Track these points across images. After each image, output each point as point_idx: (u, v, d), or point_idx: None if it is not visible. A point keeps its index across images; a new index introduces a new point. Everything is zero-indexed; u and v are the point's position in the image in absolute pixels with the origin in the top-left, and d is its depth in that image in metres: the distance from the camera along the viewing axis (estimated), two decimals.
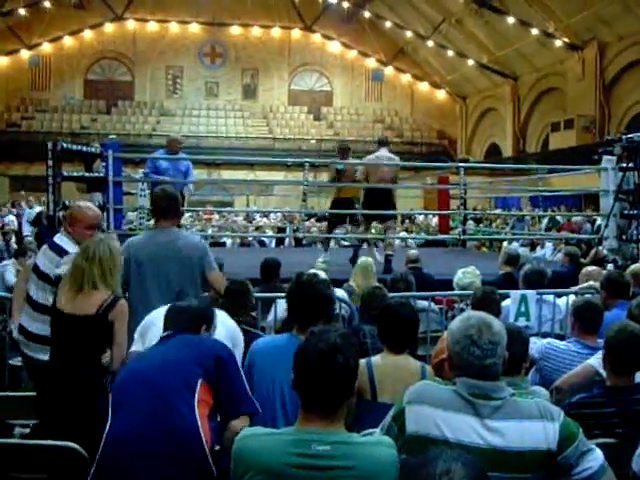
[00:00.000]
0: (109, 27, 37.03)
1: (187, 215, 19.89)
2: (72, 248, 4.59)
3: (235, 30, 38.14)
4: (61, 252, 4.65)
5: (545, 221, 18.65)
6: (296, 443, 2.34)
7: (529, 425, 2.50)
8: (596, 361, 3.72)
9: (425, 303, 6.02)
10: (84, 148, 9.84)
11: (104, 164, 9.34)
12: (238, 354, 3.66)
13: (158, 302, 4.46)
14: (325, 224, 12.07)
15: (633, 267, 6.80)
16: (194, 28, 37.83)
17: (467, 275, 6.74)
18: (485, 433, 2.46)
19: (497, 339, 2.58)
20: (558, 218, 18.76)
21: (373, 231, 11.54)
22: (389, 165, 9.81)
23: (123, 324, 4.00)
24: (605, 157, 10.05)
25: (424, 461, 1.64)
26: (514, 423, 2.49)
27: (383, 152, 9.95)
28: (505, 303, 5.69)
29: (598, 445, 3.24)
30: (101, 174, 9.33)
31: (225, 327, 3.88)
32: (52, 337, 4.10)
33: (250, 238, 17.02)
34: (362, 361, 3.52)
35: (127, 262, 4.68)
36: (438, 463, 1.60)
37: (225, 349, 3.24)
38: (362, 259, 7.45)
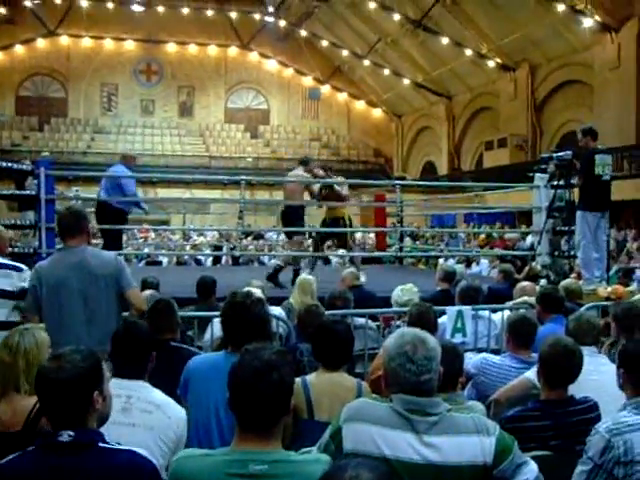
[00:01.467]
0: (41, 42, 36.41)
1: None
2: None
3: (171, 47, 37.96)
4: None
5: (481, 237, 18.96)
6: (233, 463, 2.30)
7: (465, 440, 2.51)
8: (533, 374, 3.76)
9: (362, 320, 6.01)
10: (15, 165, 9.62)
11: (36, 182, 9.13)
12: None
13: (76, 327, 4.37)
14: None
15: (566, 282, 6.95)
16: (129, 45, 37.53)
17: (405, 292, 6.75)
18: (422, 449, 2.46)
19: (432, 354, 2.59)
20: (493, 235, 19.09)
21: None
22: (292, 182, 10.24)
23: None
24: (537, 175, 10.26)
25: (334, 470, 1.66)
26: (451, 438, 2.50)
27: (298, 171, 10.32)
28: (441, 319, 5.72)
29: (533, 458, 3.27)
30: (33, 192, 9.11)
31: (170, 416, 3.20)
32: None
33: (186, 257, 16.86)
34: (297, 379, 3.49)
35: (37, 288, 4.49)
36: (347, 470, 1.60)
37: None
38: (301, 277, 7.42)
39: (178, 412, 3.16)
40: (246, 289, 6.54)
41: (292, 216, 10.05)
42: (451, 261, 15.12)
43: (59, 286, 4.50)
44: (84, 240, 4.67)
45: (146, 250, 17.38)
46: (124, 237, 11.34)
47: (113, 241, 9.37)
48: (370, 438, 2.47)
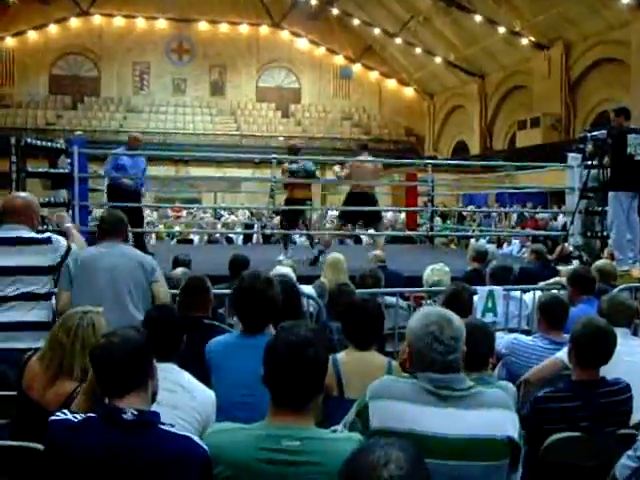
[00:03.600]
0: (74, 22, 36.55)
1: (154, 213, 19.82)
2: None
3: (203, 26, 37.90)
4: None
5: (514, 217, 18.82)
6: (266, 438, 2.32)
7: (494, 413, 2.53)
8: (564, 354, 3.74)
9: (393, 299, 6.02)
10: (49, 144, 9.70)
11: (69, 160, 9.22)
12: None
13: (104, 306, 4.43)
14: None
15: (599, 263, 6.88)
16: (161, 24, 37.54)
17: (436, 272, 6.75)
18: (450, 423, 2.47)
19: (458, 334, 2.59)
20: (524, 215, 18.94)
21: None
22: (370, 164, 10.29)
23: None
24: (571, 155, 10.15)
25: (362, 450, 1.65)
26: (479, 411, 2.51)
27: (365, 156, 10.40)
28: (474, 299, 5.71)
29: (564, 438, 3.28)
30: (66, 170, 9.20)
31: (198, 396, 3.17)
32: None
33: (218, 235, 16.93)
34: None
35: (70, 266, 4.63)
36: (375, 450, 1.61)
37: None
38: (332, 255, 7.42)
39: (204, 393, 3.18)
40: (276, 267, 6.62)
41: (373, 199, 10.23)
42: (482, 241, 15.03)
43: (90, 265, 4.67)
44: (121, 239, 4.96)
45: (177, 228, 17.48)
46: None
47: (134, 220, 9.37)
48: (397, 414, 2.48)
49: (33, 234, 4.65)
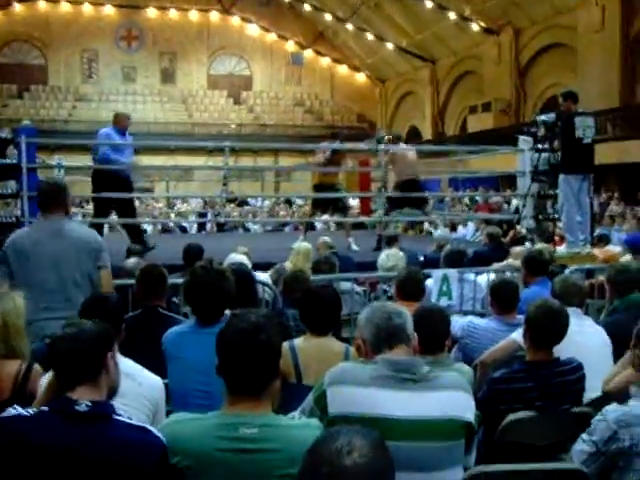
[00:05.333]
0: (18, 7, 35.78)
1: None
2: None
3: (152, 13, 37.46)
4: None
5: (466, 201, 18.97)
6: (223, 427, 2.31)
7: (451, 395, 2.57)
8: (518, 335, 3.79)
9: (349, 285, 6.03)
10: None
11: (17, 150, 9.01)
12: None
13: (46, 294, 4.35)
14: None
15: (537, 247, 7.03)
16: (109, 10, 37.00)
17: (391, 257, 6.79)
18: (409, 405, 2.49)
19: (404, 320, 2.69)
20: (476, 199, 19.11)
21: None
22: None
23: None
24: (521, 138, 10.25)
25: (324, 438, 1.64)
26: (436, 393, 2.55)
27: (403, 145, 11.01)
28: (427, 283, 5.75)
29: (520, 418, 3.32)
30: (14, 161, 9.00)
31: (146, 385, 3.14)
32: None
33: (171, 224, 16.79)
34: (285, 344, 3.49)
35: (8, 255, 4.46)
36: (338, 438, 1.59)
37: None
38: (301, 244, 7.40)
39: (150, 379, 3.14)
40: (231, 255, 6.58)
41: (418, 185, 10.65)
42: (439, 230, 15.10)
43: (31, 252, 4.46)
44: (63, 212, 4.65)
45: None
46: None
47: (124, 209, 9.13)
48: (356, 399, 2.49)
49: None
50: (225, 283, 3.61)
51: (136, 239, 8.81)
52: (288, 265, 6.86)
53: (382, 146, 11.04)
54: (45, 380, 2.90)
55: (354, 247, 10.04)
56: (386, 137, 11.49)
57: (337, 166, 10.74)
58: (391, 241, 8.66)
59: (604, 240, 9.32)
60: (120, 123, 9.27)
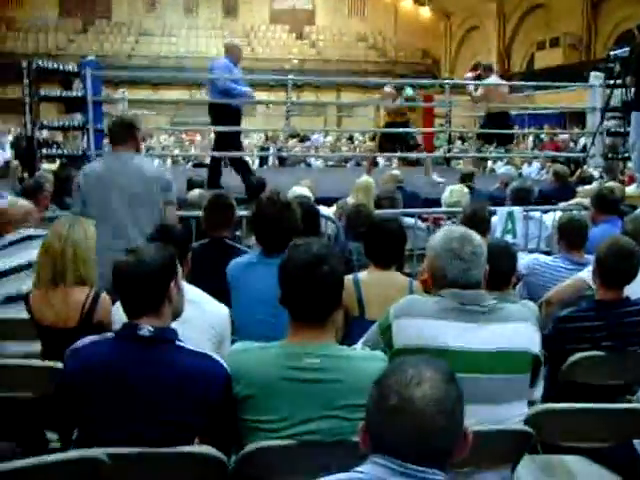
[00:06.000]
0: None
1: (170, 137, 19.72)
2: None
3: None
4: None
5: (530, 139, 18.55)
6: (287, 356, 2.31)
7: (518, 326, 2.55)
8: (587, 274, 3.71)
9: (412, 220, 5.98)
10: (61, 67, 9.56)
11: (82, 84, 9.09)
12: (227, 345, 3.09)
13: (120, 225, 4.49)
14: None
15: (608, 185, 6.83)
16: None
17: (455, 193, 6.74)
18: (476, 337, 2.48)
19: (479, 251, 2.58)
20: (542, 137, 18.68)
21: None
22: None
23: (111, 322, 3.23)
24: (593, 74, 9.93)
25: (393, 369, 1.62)
26: (503, 325, 2.52)
27: (494, 78, 11.03)
28: (492, 220, 5.66)
29: (586, 357, 3.27)
30: (80, 94, 9.09)
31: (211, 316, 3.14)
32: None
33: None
34: (349, 277, 3.49)
35: (82, 186, 4.60)
36: (408, 369, 1.58)
37: None
38: (364, 178, 7.33)
39: (215, 307, 3.17)
40: (294, 188, 6.56)
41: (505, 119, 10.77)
42: (500, 163, 14.85)
43: (105, 184, 4.59)
44: (133, 148, 4.78)
45: (192, 151, 17.40)
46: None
47: (229, 142, 8.81)
48: (422, 331, 2.48)
49: None
50: (291, 215, 3.60)
51: (247, 173, 8.67)
52: (350, 200, 6.81)
53: (493, 77, 11.01)
54: (116, 308, 2.95)
55: (439, 179, 9.99)
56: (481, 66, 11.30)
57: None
58: (465, 178, 8.49)
59: None
60: (234, 54, 9.13)
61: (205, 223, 4.50)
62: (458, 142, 18.27)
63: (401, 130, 10.26)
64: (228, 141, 8.80)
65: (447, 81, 10.98)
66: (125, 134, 4.74)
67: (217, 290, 3.31)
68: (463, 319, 2.50)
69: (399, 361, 1.66)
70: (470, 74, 11.57)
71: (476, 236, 2.63)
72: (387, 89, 10.88)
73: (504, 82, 10.99)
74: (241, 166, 8.95)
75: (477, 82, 10.87)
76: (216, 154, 9.10)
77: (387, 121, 11.05)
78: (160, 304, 2.40)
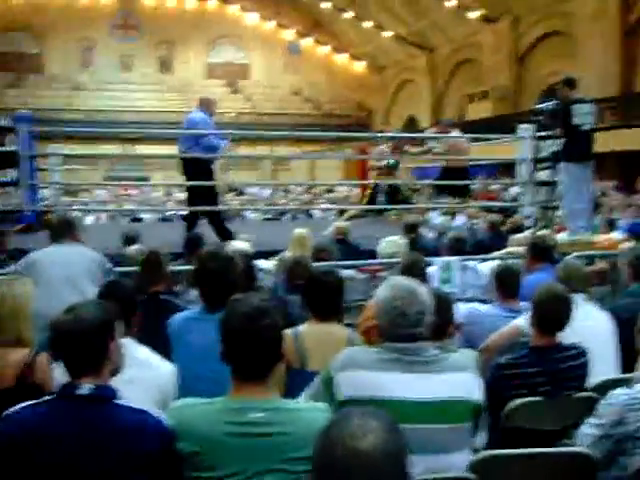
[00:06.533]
0: None
1: (103, 192, 19.50)
2: None
3: (148, 1, 37.23)
4: None
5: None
6: (231, 411, 2.30)
7: (460, 376, 2.59)
8: (523, 321, 3.79)
9: (350, 272, 6.03)
10: None
11: (16, 139, 8.97)
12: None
13: (62, 288, 4.58)
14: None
15: (539, 234, 7.03)
16: None
17: (390, 244, 6.82)
18: (418, 387, 2.51)
19: (424, 308, 2.62)
20: (475, 187, 19.05)
21: None
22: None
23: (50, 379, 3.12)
24: (521, 126, 10.22)
25: (337, 421, 1.61)
26: (445, 375, 2.57)
27: (456, 133, 11.55)
28: (430, 269, 5.74)
29: (525, 404, 3.32)
30: (13, 149, 8.96)
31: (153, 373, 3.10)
32: None
33: (169, 213, 16.74)
34: (289, 331, 3.49)
35: (24, 270, 4.67)
36: (352, 421, 1.57)
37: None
38: (297, 231, 7.35)
39: (163, 366, 3.14)
40: (233, 243, 6.56)
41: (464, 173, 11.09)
42: (435, 214, 15.07)
43: (44, 262, 4.77)
44: (73, 241, 5.05)
45: (128, 207, 17.25)
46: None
47: (203, 198, 8.58)
48: (364, 383, 2.50)
49: None
50: (234, 269, 3.61)
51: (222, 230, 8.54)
52: (287, 254, 6.82)
53: (455, 132, 11.56)
54: (56, 370, 2.89)
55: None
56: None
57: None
58: (409, 229, 8.55)
59: (610, 225, 9.30)
60: (210, 108, 9.12)
61: (139, 280, 4.47)
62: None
63: (346, 182, 10.47)
64: (207, 196, 8.64)
65: (384, 134, 11.13)
66: (64, 231, 4.98)
67: (153, 345, 3.28)
68: (405, 370, 2.53)
69: (343, 412, 1.67)
70: (433, 129, 12.07)
71: (422, 291, 2.67)
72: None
73: (466, 137, 11.39)
74: (217, 220, 8.77)
75: (439, 136, 11.42)
76: (191, 208, 9.15)
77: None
78: (100, 363, 2.37)
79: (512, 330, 4.12)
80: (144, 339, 3.27)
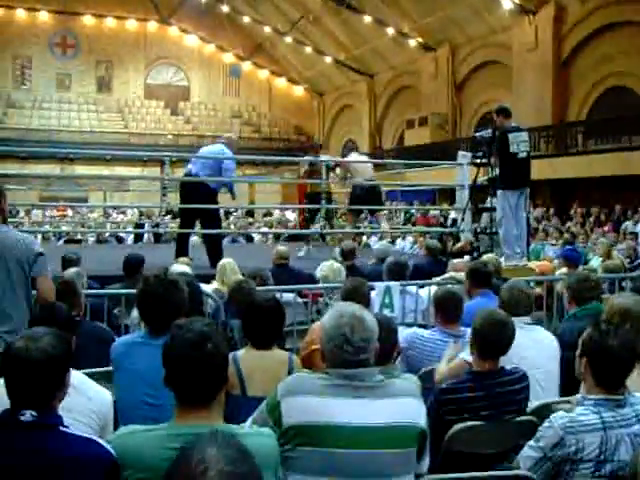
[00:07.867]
0: None
1: (38, 212, 19.14)
2: None
3: (88, 20, 36.88)
4: None
5: (402, 215, 19.12)
6: (175, 438, 2.24)
7: (405, 401, 2.60)
8: (467, 354, 3.79)
9: (290, 296, 6.01)
10: None
11: None
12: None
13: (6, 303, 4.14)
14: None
15: (484, 258, 7.11)
16: (43, 16, 36.26)
17: (324, 268, 6.92)
18: (364, 413, 2.50)
19: (369, 335, 2.60)
20: (413, 212, 19.31)
21: None
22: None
23: None
24: (460, 153, 10.40)
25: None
26: (391, 400, 2.57)
27: (356, 155, 12.33)
28: (371, 295, 5.75)
29: (466, 428, 3.34)
30: None
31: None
32: None
33: (107, 234, 16.52)
34: (229, 355, 3.44)
35: None
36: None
37: None
38: (222, 261, 7.24)
39: (99, 393, 3.05)
40: (174, 266, 6.48)
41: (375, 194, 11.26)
42: (374, 239, 15.19)
43: None
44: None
45: (64, 228, 16.95)
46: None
47: (212, 221, 9.34)
48: (310, 409, 2.49)
49: None
50: (178, 293, 3.54)
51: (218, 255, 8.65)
52: (217, 287, 6.68)
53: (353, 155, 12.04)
54: None
55: (300, 254, 10.50)
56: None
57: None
58: (346, 255, 8.55)
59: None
60: (233, 146, 9.61)
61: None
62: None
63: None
64: (215, 219, 9.51)
65: (322, 158, 11.18)
66: None
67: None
68: (351, 395, 2.52)
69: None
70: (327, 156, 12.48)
71: (368, 317, 2.65)
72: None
73: (361, 159, 12.12)
74: (216, 244, 9.32)
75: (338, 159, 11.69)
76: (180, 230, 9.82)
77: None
78: (52, 397, 2.30)
79: (460, 364, 4.07)
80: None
